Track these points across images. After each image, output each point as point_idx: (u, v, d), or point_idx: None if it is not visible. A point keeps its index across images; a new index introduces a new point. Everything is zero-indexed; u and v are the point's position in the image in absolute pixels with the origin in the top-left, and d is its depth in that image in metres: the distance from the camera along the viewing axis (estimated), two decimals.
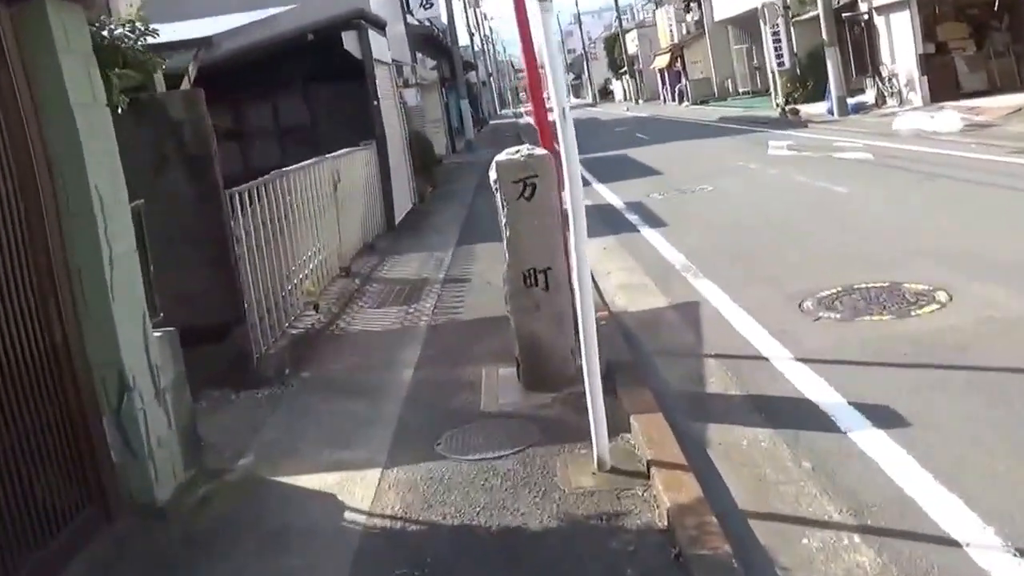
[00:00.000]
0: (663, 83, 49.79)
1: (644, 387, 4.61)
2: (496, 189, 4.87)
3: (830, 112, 23.22)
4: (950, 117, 16.01)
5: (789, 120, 23.62)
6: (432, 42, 27.45)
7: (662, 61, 48.49)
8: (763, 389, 4.78)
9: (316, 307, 7.17)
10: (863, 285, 6.42)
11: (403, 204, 13.49)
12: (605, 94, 76.47)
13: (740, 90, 40.91)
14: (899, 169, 12.16)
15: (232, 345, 5.29)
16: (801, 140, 18.13)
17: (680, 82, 45.69)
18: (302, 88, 13.31)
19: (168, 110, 4.53)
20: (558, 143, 3.83)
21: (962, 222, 8.15)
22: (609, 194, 13.81)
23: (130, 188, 3.74)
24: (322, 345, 6.33)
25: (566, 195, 3.66)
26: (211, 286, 5.12)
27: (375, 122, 11.74)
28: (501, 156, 4.88)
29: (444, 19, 29.80)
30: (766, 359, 5.26)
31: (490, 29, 79.24)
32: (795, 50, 29.85)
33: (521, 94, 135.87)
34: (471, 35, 50.92)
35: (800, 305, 6.23)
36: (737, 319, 6.11)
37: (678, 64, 45.37)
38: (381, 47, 13.13)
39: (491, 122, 53.18)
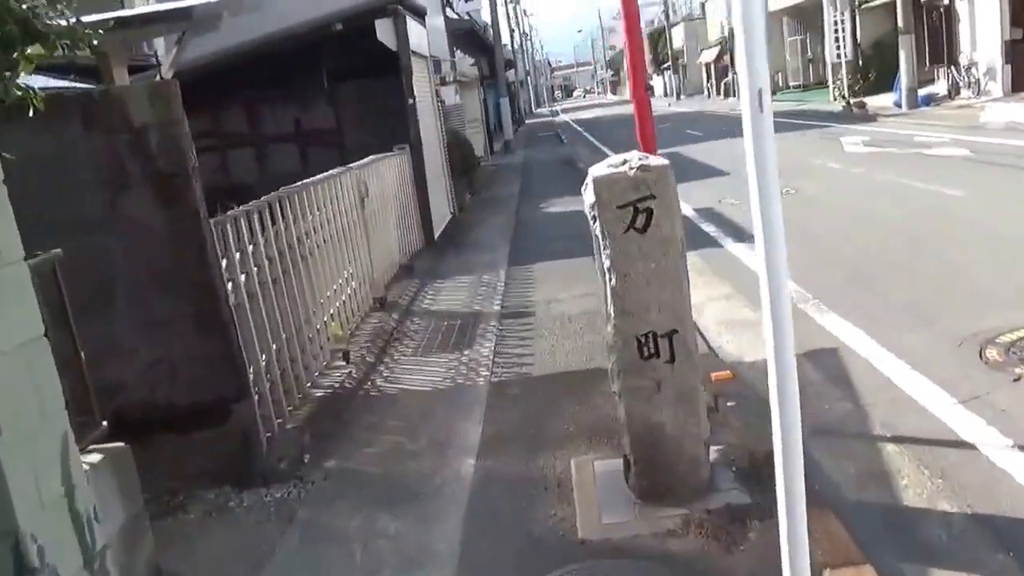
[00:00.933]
0: (708, 78, 47.97)
1: (824, 508, 3.14)
2: (593, 217, 3.45)
3: (897, 104, 21.50)
4: None
5: (855, 114, 21.91)
6: (472, 38, 26.09)
7: (709, 55, 46.67)
8: (987, 501, 3.29)
9: (346, 356, 5.79)
10: None
11: (442, 214, 12.10)
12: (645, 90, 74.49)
13: (791, 84, 39.04)
14: (1012, 168, 10.53)
15: (233, 427, 3.92)
16: (877, 135, 16.46)
17: (727, 76, 43.87)
18: (327, 86, 12.02)
19: (129, 110, 3.17)
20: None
21: None
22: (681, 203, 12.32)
23: (75, 217, 2.39)
24: (353, 414, 4.93)
25: (755, 216, 2.17)
26: (199, 350, 3.75)
27: (410, 124, 10.37)
28: (600, 169, 3.46)
29: (484, 14, 28.44)
30: (971, 446, 3.76)
31: (529, 26, 77.77)
32: (859, 40, 28.10)
33: (557, 92, 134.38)
34: (511, 32, 49.56)
35: (982, 355, 4.72)
36: (901, 376, 4.61)
37: (726, 58, 43.54)
38: (420, 38, 11.75)
39: (527, 121, 51.75)
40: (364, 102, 11.32)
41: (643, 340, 3.37)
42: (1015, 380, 4.38)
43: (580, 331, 6.07)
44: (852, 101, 22.52)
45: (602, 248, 3.41)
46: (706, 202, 11.45)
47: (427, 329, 6.73)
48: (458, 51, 21.41)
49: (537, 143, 29.99)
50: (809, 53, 38.65)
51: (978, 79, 20.74)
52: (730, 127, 24.64)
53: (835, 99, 27.88)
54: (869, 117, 20.59)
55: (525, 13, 65.47)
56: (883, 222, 8.64)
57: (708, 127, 25.37)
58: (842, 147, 15.34)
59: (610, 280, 3.40)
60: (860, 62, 28.07)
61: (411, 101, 10.38)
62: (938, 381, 4.46)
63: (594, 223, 3.42)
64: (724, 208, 10.86)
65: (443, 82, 17.82)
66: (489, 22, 30.09)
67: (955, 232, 7.71)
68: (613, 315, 3.41)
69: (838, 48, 28.50)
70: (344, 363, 5.75)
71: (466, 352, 5.92)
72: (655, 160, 3.42)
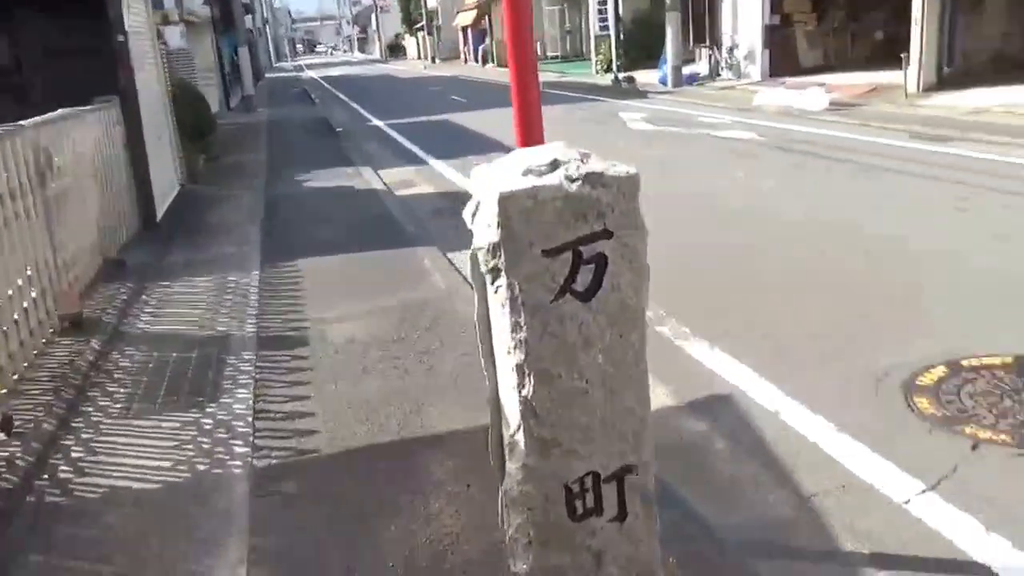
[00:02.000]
0: (465, 42, 47.10)
1: None
2: (492, 269, 1.89)
3: (662, 82, 21.63)
4: (816, 95, 14.69)
5: (624, 89, 21.73)
6: None
7: (466, 18, 45.70)
8: None
9: (5, 424, 3.73)
10: (972, 359, 4.08)
11: (167, 187, 9.78)
12: (395, 50, 72.57)
13: (549, 54, 39.11)
14: (811, 156, 10.22)
15: None
16: (656, 113, 16.09)
17: (484, 42, 43.23)
18: (1, 16, 9.23)
19: None
20: None
21: (993, 236, 6.06)
22: (457, 176, 10.87)
23: None
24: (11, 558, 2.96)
25: None
26: None
27: (120, 68, 8.02)
28: (504, 176, 1.93)
29: None
30: (977, 565, 2.67)
31: None
32: (620, 15, 28.26)
33: (299, 46, 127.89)
34: None
35: (912, 405, 3.74)
36: (829, 442, 3.49)
37: (484, 22, 42.82)
38: None
39: (267, 75, 48.03)
40: (56, 37, 8.72)
41: (576, 488, 1.85)
42: (973, 448, 3.40)
43: (381, 368, 4.43)
44: (622, 76, 22.32)
45: (508, 328, 1.84)
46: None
47: (146, 366, 4.74)
48: None
49: (283, 101, 27.29)
50: (568, 24, 38.91)
51: (738, 61, 21.29)
52: (495, 95, 23.68)
53: (598, 72, 27.93)
54: (639, 93, 20.43)
55: None
56: (712, 217, 7.74)
57: (472, 94, 24.26)
58: (624, 124, 14.72)
59: (521, 387, 1.83)
60: (622, 36, 28.31)
61: (122, 39, 8.01)
62: (878, 449, 3.39)
63: (493, 281, 1.85)
64: None
65: (166, 20, 15.06)
66: None
67: (800, 233, 6.94)
68: (523, 448, 1.85)
69: (602, 22, 28.58)
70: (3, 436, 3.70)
71: (209, 408, 4.07)
72: (621, 168, 1.90)
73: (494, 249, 1.83)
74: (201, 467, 3.52)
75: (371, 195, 9.80)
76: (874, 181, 8.53)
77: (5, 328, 4.42)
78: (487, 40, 42.97)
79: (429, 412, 3.83)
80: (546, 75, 30.13)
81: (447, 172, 11.34)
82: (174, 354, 4.90)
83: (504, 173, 1.93)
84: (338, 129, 16.43)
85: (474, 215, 1.96)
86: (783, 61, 20.42)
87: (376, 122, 18.86)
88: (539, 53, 39.80)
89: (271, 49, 69.91)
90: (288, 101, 27.39)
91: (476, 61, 44.14)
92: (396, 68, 51.14)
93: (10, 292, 4.53)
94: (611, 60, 27.81)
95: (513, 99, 2.83)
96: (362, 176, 11.21)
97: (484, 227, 1.86)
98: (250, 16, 42.73)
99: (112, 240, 7.33)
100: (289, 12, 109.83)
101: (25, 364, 4.58)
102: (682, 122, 14.37)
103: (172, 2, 14.68)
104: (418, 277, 6.16)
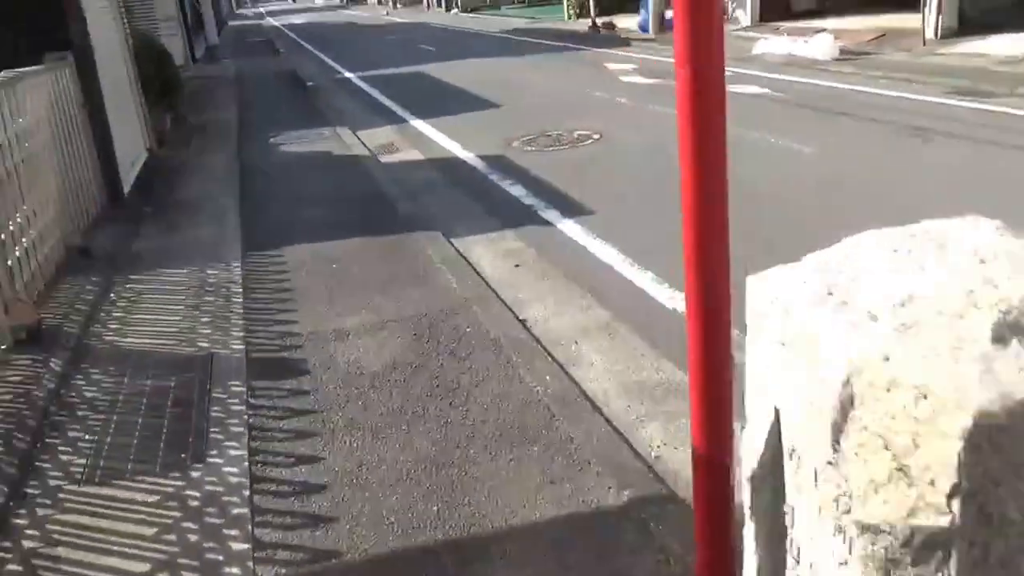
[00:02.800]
0: None
1: None
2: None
3: (643, 28, 20.53)
4: (824, 42, 13.64)
5: (603, 36, 20.61)
6: None
7: None
8: None
9: None
10: None
11: (132, 154, 8.69)
12: None
13: None
14: (844, 116, 9.26)
15: None
16: (645, 64, 15.06)
17: None
18: None
19: None
20: None
21: None
22: (443, 139, 9.88)
23: None
24: None
25: None
26: None
27: (71, 19, 6.89)
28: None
29: None
30: None
31: None
32: None
33: None
34: None
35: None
36: None
37: None
38: None
39: (229, 23, 45.75)
40: None
41: None
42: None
43: (404, 413, 3.57)
44: (600, 22, 21.17)
45: None
46: (489, 147, 9.17)
47: (115, 398, 3.84)
48: None
49: (248, 52, 25.68)
50: None
51: (726, 5, 20.26)
52: (468, 44, 22.43)
53: (570, 17, 26.69)
54: (621, 41, 19.33)
55: None
56: (763, 193, 6.91)
57: (442, 43, 22.94)
58: (615, 77, 13.73)
59: None
60: None
61: None
62: None
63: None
64: (520, 156, 8.65)
65: None
66: None
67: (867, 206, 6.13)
68: None
69: None
70: None
71: (195, 471, 3.21)
72: None
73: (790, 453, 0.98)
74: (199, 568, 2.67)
75: (353, 162, 8.81)
76: (944, 150, 7.43)
77: None
78: None
79: (475, 489, 2.99)
80: (515, 21, 28.82)
81: (430, 133, 10.34)
82: (149, 382, 4.00)
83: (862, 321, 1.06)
84: (308, 83, 15.23)
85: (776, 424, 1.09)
86: (773, 3, 19.30)
87: (347, 74, 17.62)
88: None
89: None
90: (253, 51, 25.80)
91: (439, 7, 42.34)
92: (358, 15, 48.99)
93: None
94: (583, 4, 26.61)
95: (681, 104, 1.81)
96: (340, 138, 10.17)
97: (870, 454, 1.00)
98: None
99: (74, 222, 6.33)
100: None
101: None
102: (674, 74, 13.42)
103: None
104: (425, 273, 5.28)
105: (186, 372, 4.06)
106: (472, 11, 37.55)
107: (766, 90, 11.07)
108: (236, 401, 3.73)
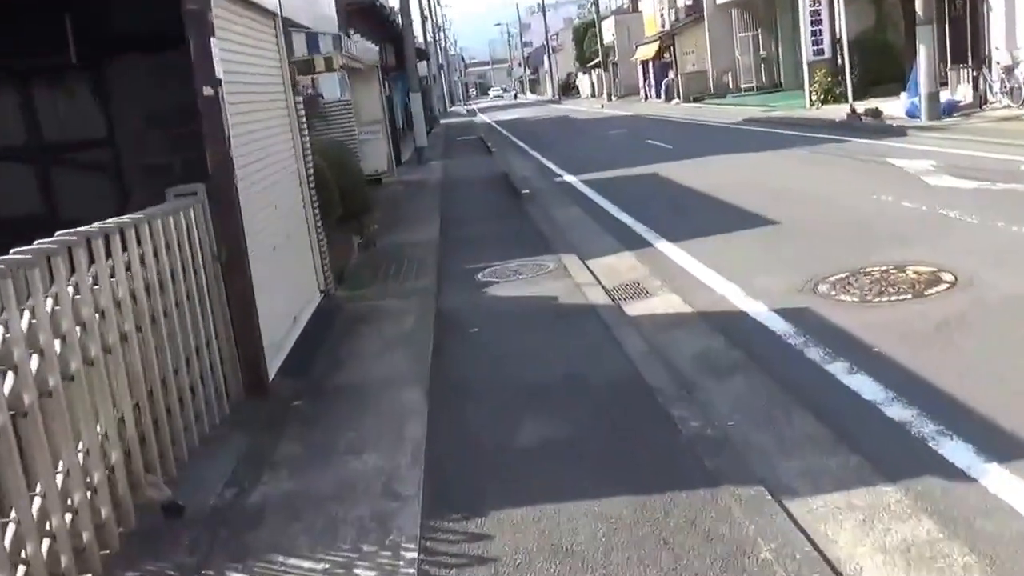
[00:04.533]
0: (645, 77, 43.43)
1: None
2: None
3: (911, 114, 16.96)
4: None
5: (866, 125, 17.23)
6: (373, 16, 20.48)
7: (646, 52, 42.04)
8: None
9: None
10: None
11: (294, 310, 6.58)
12: (568, 90, 69.92)
13: (743, 86, 34.74)
14: None
15: None
16: (950, 159, 11.58)
17: (667, 76, 39.36)
18: (89, 65, 6.44)
19: None
20: None
21: None
22: (708, 274, 7.05)
23: None
24: None
25: None
26: None
27: (209, 142, 4.84)
28: None
29: None
30: None
31: (443, 16, 71.95)
32: (838, 35, 23.72)
33: (472, 90, 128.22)
34: (423, 20, 43.72)
35: None
36: None
37: (667, 55, 39.03)
38: None
39: (442, 121, 46.24)
40: (160, 91, 5.76)
41: None
42: None
43: None
44: (861, 109, 17.83)
45: None
46: (783, 292, 6.28)
47: None
48: (354, 33, 15.83)
49: (458, 151, 24.54)
50: (763, 51, 34.44)
51: (1021, 84, 16.37)
52: (700, 137, 19.75)
53: (812, 104, 23.44)
54: (892, 130, 15.92)
55: (439, 2, 59.83)
56: None
57: (672, 137, 20.41)
58: (915, 178, 10.45)
59: None
60: (840, 61, 23.72)
61: (210, 91, 4.82)
62: None
63: None
64: (840, 313, 5.69)
65: (328, 66, 12.29)
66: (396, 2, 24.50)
67: None
68: None
69: (816, 44, 24.12)
70: None
71: None
72: None
73: None
74: None
75: (588, 317, 6.19)
76: None
77: None
78: (670, 74, 39.07)
79: None
80: (746, 110, 25.92)
81: (687, 264, 7.57)
82: None
83: None
84: (523, 191, 13.06)
85: None
86: None
87: (566, 177, 15.40)
88: (730, 85, 35.53)
89: (446, 94, 69.07)
90: (463, 150, 24.63)
91: (658, 97, 40.33)
92: (571, 108, 48.10)
93: None
94: (828, 89, 23.32)
95: None
96: (567, 272, 7.65)
97: None
98: (424, 63, 41.06)
99: (179, 438, 4.09)
100: (462, 57, 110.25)
101: None
102: (1002, 173, 9.94)
103: (329, 42, 11.84)
104: None
105: None
106: (694, 100, 35.12)
107: None
108: None
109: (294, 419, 4.90)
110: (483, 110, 65.57)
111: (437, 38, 57.98)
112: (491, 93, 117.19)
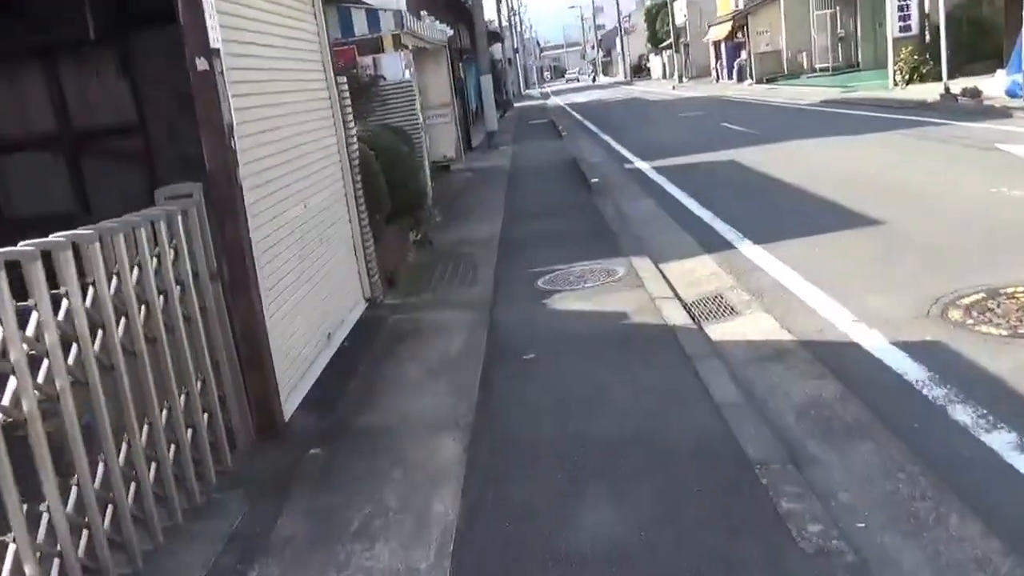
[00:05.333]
0: (717, 58, 41.18)
1: None
2: None
3: (1012, 94, 14.97)
4: None
5: (963, 105, 15.28)
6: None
7: (719, 32, 39.80)
8: None
9: None
10: None
11: (328, 327, 5.52)
12: (639, 71, 67.56)
13: (817, 66, 32.38)
14: None
15: None
16: None
17: (740, 56, 37.14)
18: (117, 43, 5.54)
19: None
20: None
21: None
22: (806, 288, 5.67)
23: None
24: None
25: None
26: None
27: (204, 130, 3.77)
28: None
29: None
30: None
31: (518, 0, 70.01)
32: (927, 11, 21.50)
33: (546, 73, 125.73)
34: (498, 3, 42.23)
35: None
36: None
37: (739, 35, 36.79)
38: None
39: (516, 105, 44.88)
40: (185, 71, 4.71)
41: None
42: None
43: None
44: (961, 88, 15.86)
45: None
46: (901, 316, 4.91)
47: None
48: (426, 15, 14.65)
49: (529, 135, 23.26)
50: (840, 29, 31.97)
51: None
52: (779, 120, 18.01)
53: (897, 84, 21.34)
54: (994, 111, 14.01)
55: None
56: None
57: (749, 119, 18.70)
58: (1017, 163, 8.81)
59: None
60: (927, 38, 21.51)
61: (203, 65, 3.71)
62: None
63: None
64: (980, 350, 4.31)
65: (397, 43, 11.19)
66: None
67: None
68: None
69: (903, 20, 21.94)
70: None
71: None
72: None
73: None
74: None
75: (665, 346, 4.92)
76: None
77: None
78: (743, 54, 36.84)
79: None
80: (824, 91, 23.86)
81: (779, 273, 6.21)
82: None
83: None
84: (592, 180, 11.76)
85: None
86: None
87: (638, 163, 14.01)
88: (805, 65, 33.22)
89: (521, 78, 67.47)
90: (534, 133, 23.34)
91: (730, 78, 38.13)
92: (643, 89, 46.09)
93: None
94: (915, 68, 21.18)
95: None
96: (639, 279, 6.39)
97: None
98: (499, 45, 39.69)
99: (151, 517, 3.04)
100: (537, 41, 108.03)
101: None
102: None
103: (390, 19, 10.70)
104: None
105: None
106: (767, 81, 32.93)
107: None
108: None
109: (307, 475, 3.83)
110: (556, 92, 63.89)
111: (512, 21, 56.37)
112: (567, 76, 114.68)
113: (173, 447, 3.45)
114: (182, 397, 3.56)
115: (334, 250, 5.81)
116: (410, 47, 12.09)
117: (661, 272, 6.66)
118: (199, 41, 3.74)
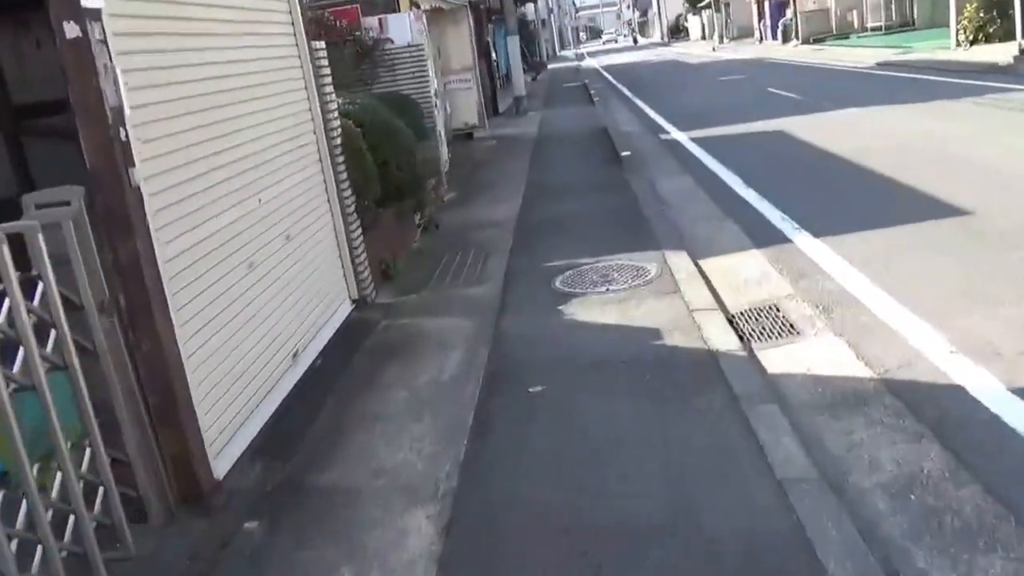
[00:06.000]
0: (760, 17, 39.15)
1: None
2: None
3: None
4: None
5: None
6: None
7: None
8: None
9: None
10: None
11: (293, 344, 4.55)
12: (676, 32, 65.19)
13: (869, 25, 30.45)
14: None
15: None
16: None
17: (784, 15, 35.16)
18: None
19: None
20: None
21: None
22: (884, 302, 4.52)
23: None
24: None
25: None
26: None
27: (81, 113, 2.77)
28: None
29: None
30: None
31: None
32: None
33: (582, 34, 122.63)
34: None
35: None
36: None
37: None
38: None
39: (550, 66, 43.32)
40: None
41: None
42: None
43: None
44: None
45: None
46: (1016, 350, 3.80)
47: None
48: None
49: (560, 100, 21.96)
50: None
51: None
52: (831, 85, 16.53)
53: (960, 44, 19.61)
54: None
55: None
56: None
57: (797, 84, 17.22)
58: None
59: None
60: None
61: (74, 31, 2.71)
62: None
63: None
64: None
65: (413, 3, 10.15)
66: None
67: None
68: None
69: None
70: None
71: None
72: None
73: None
74: None
75: (707, 381, 3.84)
76: None
77: None
78: (788, 13, 34.84)
79: None
80: (877, 52, 22.15)
81: (846, 278, 5.05)
82: None
83: None
84: (623, 153, 10.58)
85: None
86: None
87: (674, 134, 12.76)
88: (855, 24, 31.31)
89: (555, 39, 65.47)
90: (565, 99, 22.02)
91: (774, 38, 36.15)
92: (681, 51, 44.17)
93: None
94: (980, 27, 19.42)
95: None
96: (675, 283, 5.29)
97: None
98: (532, 5, 38.10)
99: None
100: (573, 1, 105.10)
101: None
102: None
103: None
104: None
105: None
106: (814, 42, 31.03)
107: None
108: None
109: (233, 564, 2.87)
110: (591, 54, 61.89)
111: None
112: (604, 37, 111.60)
113: (39, 548, 2.50)
114: (53, 472, 2.61)
115: (307, 247, 4.80)
116: (424, 7, 10.96)
117: (700, 271, 5.56)
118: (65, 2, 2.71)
